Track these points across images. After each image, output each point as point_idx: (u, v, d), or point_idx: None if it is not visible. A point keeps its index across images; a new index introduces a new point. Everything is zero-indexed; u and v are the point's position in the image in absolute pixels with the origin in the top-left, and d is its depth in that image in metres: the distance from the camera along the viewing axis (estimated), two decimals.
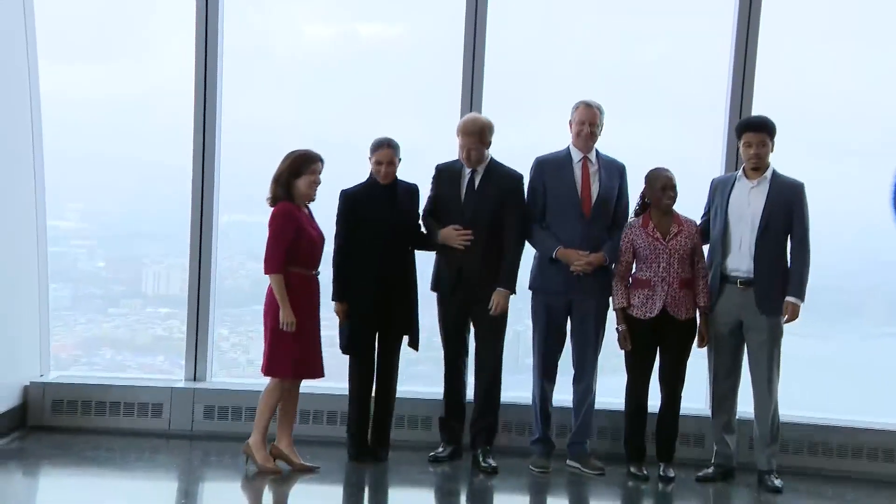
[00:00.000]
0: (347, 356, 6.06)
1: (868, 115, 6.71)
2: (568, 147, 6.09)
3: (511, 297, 6.01)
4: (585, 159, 6.05)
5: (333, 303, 5.97)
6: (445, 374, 6.17)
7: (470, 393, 6.23)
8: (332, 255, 5.97)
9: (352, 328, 5.95)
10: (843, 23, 6.80)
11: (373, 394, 6.09)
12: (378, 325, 5.99)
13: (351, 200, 5.99)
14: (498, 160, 6.10)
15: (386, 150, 5.98)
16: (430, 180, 6.17)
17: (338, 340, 6.05)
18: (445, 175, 6.12)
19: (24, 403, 6.63)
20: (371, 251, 5.93)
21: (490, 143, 6.04)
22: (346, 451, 6.10)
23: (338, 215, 5.99)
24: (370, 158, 6.03)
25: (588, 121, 5.99)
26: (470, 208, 6.02)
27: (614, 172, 6.08)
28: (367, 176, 6.06)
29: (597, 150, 6.08)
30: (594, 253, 5.96)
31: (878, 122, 6.50)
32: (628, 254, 6.00)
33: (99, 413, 6.59)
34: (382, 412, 6.12)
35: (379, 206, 5.98)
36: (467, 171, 6.07)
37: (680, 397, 6.03)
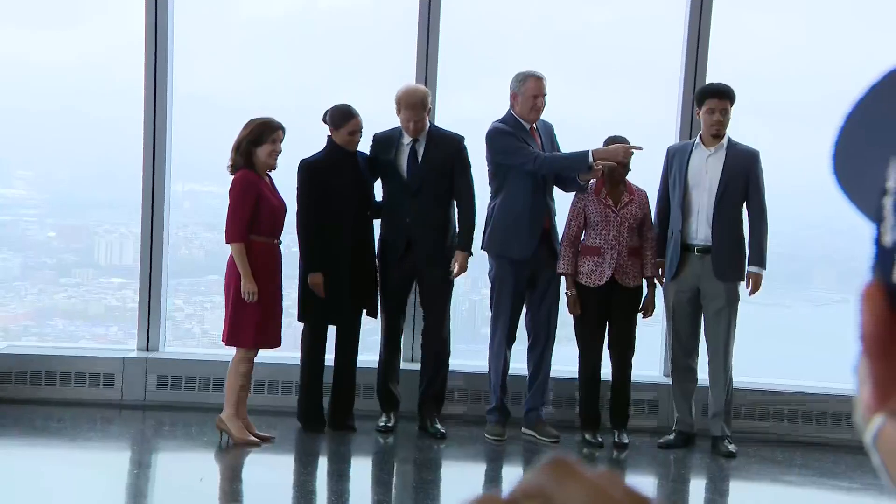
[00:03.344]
0: (302, 325, 6.01)
1: (820, 78, 6.75)
2: (514, 116, 6.01)
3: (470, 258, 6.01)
4: (532, 128, 6.04)
5: (308, 275, 5.85)
6: (385, 343, 6.12)
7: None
8: (297, 227, 5.89)
9: (326, 298, 5.86)
10: None
11: (326, 364, 6.05)
12: (352, 296, 5.93)
13: (313, 170, 5.90)
14: (437, 125, 6.06)
15: (358, 119, 5.90)
16: (368, 150, 6.09)
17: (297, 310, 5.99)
18: (384, 144, 6.05)
19: None
20: (338, 221, 5.87)
21: (430, 109, 6.00)
22: (300, 420, 6.04)
23: (300, 186, 5.90)
24: (336, 128, 5.91)
25: (541, 93, 5.96)
26: (417, 179, 5.97)
27: (551, 133, 6.08)
28: (326, 144, 5.98)
29: None
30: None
31: (831, 85, 6.54)
32: (579, 220, 6.01)
33: (49, 383, 6.50)
34: (349, 383, 6.06)
35: (342, 174, 5.90)
36: (406, 141, 6.01)
37: (631, 364, 6.06)
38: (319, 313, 5.93)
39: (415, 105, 5.94)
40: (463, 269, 5.98)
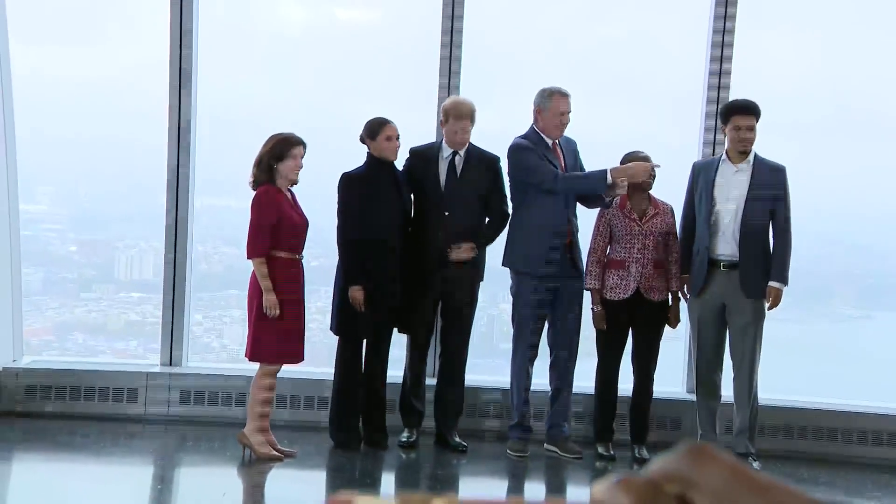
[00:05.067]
0: (338, 339, 5.97)
1: (837, 96, 6.75)
2: (536, 131, 6.01)
3: (481, 284, 6.05)
4: (555, 143, 6.05)
5: (349, 288, 5.81)
6: (412, 357, 6.13)
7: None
8: (338, 240, 5.88)
9: (366, 312, 5.84)
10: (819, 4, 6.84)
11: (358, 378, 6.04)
12: (392, 310, 5.93)
13: (356, 183, 5.89)
14: (474, 143, 6.10)
15: (393, 125, 5.92)
16: (403, 164, 6.12)
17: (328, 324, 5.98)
18: (421, 159, 6.08)
19: None
20: (380, 234, 5.87)
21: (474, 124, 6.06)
22: (332, 437, 6.00)
23: (342, 199, 5.89)
24: (373, 138, 5.91)
25: (567, 110, 5.98)
26: (452, 194, 5.99)
27: (575, 150, 6.10)
28: (365, 159, 5.98)
29: None
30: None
31: (848, 103, 6.55)
32: (605, 234, 6.02)
33: (73, 398, 6.53)
34: (381, 399, 6.04)
35: (383, 187, 5.90)
36: (445, 155, 6.05)
37: (653, 378, 6.06)
38: (358, 327, 5.91)
39: (463, 116, 5.98)
40: (463, 253, 5.93)
